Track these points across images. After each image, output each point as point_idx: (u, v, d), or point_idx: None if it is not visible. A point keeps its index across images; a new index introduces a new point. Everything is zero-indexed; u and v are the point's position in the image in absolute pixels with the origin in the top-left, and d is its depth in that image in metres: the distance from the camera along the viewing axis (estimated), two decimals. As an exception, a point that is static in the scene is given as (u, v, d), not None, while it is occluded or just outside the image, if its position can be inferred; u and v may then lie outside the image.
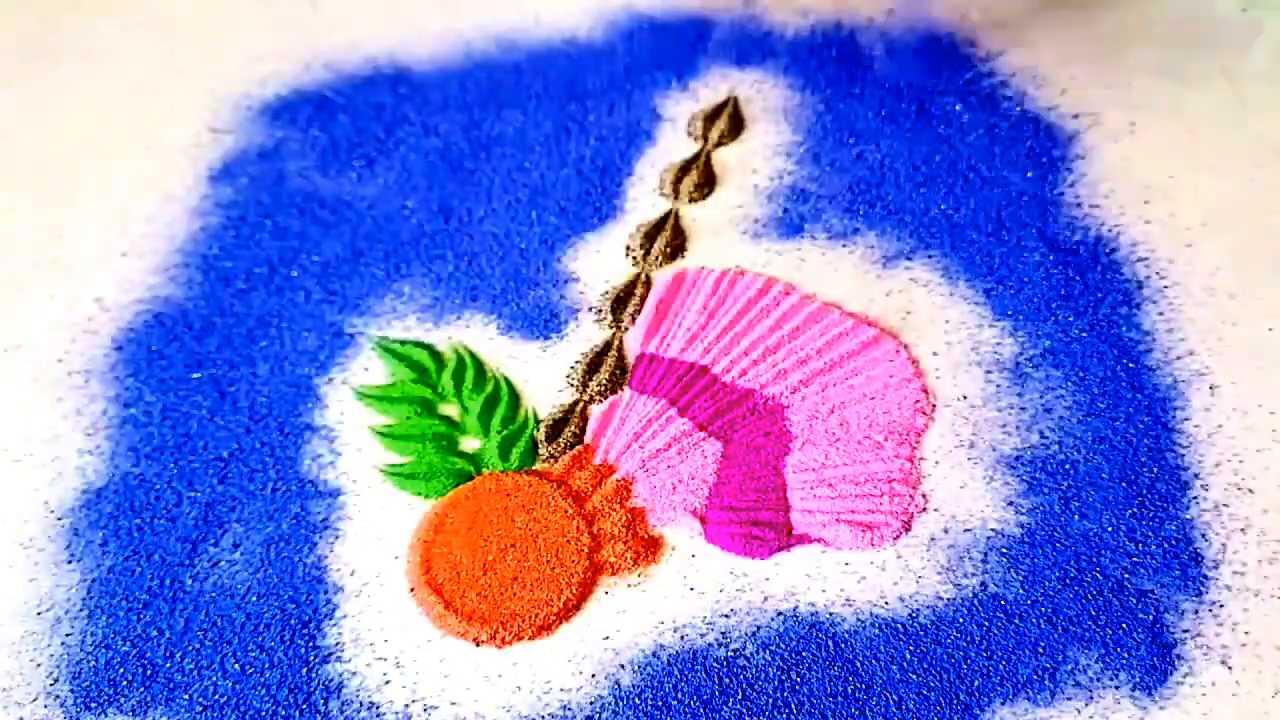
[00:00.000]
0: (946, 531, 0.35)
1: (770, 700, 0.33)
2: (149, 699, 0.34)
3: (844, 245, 0.43)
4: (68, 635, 0.35)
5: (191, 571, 0.36)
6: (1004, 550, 0.35)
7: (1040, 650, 0.33)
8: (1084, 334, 0.40)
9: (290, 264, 0.44)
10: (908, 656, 0.33)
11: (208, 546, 0.37)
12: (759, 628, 0.34)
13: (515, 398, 0.39)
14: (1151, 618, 0.34)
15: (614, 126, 0.47)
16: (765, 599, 0.35)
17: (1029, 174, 0.45)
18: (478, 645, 0.34)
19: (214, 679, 0.34)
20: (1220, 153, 0.45)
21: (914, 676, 0.33)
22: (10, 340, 0.42)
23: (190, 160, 0.47)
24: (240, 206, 0.46)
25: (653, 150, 0.47)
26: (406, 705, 0.33)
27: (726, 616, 0.34)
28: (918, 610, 0.34)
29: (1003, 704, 0.32)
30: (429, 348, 0.41)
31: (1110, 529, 0.35)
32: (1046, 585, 0.34)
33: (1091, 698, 0.32)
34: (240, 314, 0.42)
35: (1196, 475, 0.36)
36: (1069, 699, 0.32)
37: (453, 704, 0.33)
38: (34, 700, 0.34)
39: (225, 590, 0.36)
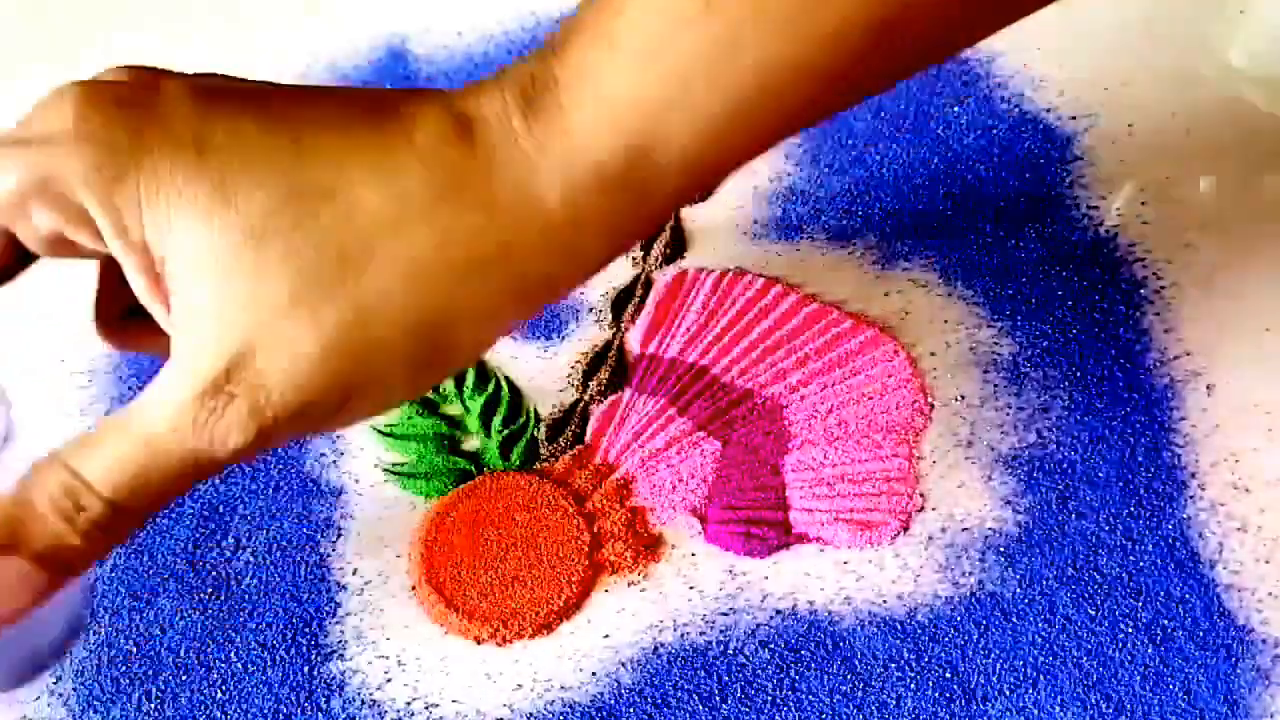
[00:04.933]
0: (944, 530, 0.36)
1: (769, 698, 0.33)
2: (151, 696, 0.34)
3: (843, 246, 0.43)
4: (71, 633, 0.35)
5: (194, 570, 0.36)
6: (1001, 549, 0.35)
7: (1037, 648, 0.33)
8: (1081, 334, 0.40)
9: (292, 265, 0.44)
10: (906, 654, 0.33)
11: (210, 545, 0.37)
12: (758, 626, 0.34)
13: (516, 398, 0.40)
14: (1149, 616, 0.34)
15: (614, 128, 0.48)
16: (764, 597, 0.35)
17: (1027, 175, 0.45)
18: (479, 643, 0.35)
19: (216, 676, 0.34)
20: (1219, 154, 0.45)
21: (912, 674, 0.33)
22: (11, 341, 0.42)
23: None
24: (243, 208, 0.46)
25: (653, 152, 0.47)
26: (409, 703, 0.33)
27: (726, 615, 0.35)
28: (915, 608, 0.34)
29: (1000, 702, 0.33)
30: (430, 348, 0.41)
31: (1107, 528, 0.35)
32: (1044, 584, 0.34)
33: (1089, 696, 0.32)
34: (243, 315, 0.43)
35: (1193, 475, 0.36)
36: (1066, 697, 0.32)
37: (454, 702, 0.33)
38: (37, 698, 0.34)
39: (228, 588, 0.36)
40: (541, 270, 0.25)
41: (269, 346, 0.23)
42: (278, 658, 0.34)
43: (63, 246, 0.25)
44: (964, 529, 0.36)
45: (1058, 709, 0.32)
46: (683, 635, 0.34)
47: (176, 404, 0.24)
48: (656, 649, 0.34)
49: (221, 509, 0.38)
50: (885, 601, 0.34)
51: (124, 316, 0.30)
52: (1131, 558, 0.35)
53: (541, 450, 0.38)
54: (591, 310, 0.42)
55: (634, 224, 0.25)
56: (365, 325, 0.24)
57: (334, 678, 0.34)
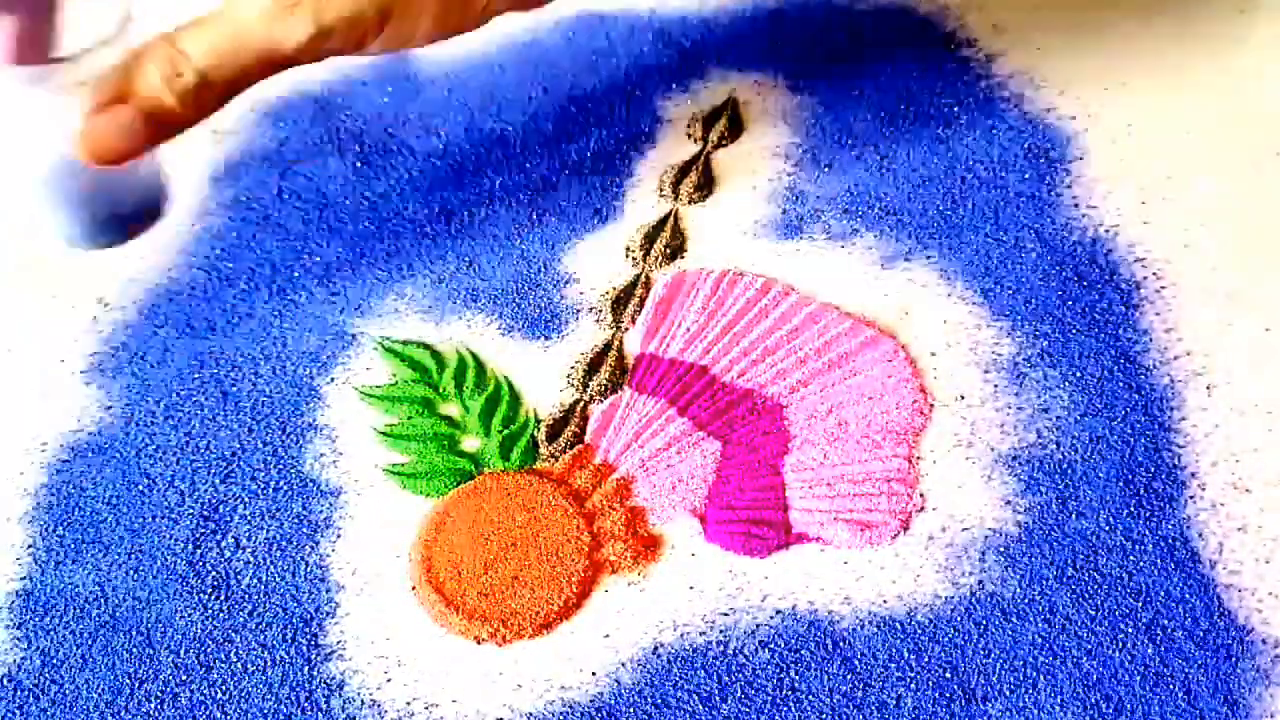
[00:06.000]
0: (944, 530, 0.36)
1: (769, 697, 0.33)
2: (151, 696, 0.34)
3: (843, 246, 0.43)
4: (71, 633, 0.35)
5: (194, 570, 0.36)
6: (1001, 549, 0.35)
7: (1037, 648, 0.33)
8: (1081, 334, 0.40)
9: (292, 265, 0.44)
10: (906, 654, 0.33)
11: (210, 545, 0.37)
12: (758, 626, 0.34)
13: (516, 398, 0.40)
14: (1149, 616, 0.34)
15: (614, 128, 0.48)
16: (764, 597, 0.35)
17: (1027, 175, 0.45)
18: (479, 643, 0.35)
19: (216, 676, 0.34)
20: (1218, 153, 0.45)
21: (911, 674, 0.33)
22: (11, 340, 0.42)
23: (193, 161, 0.48)
24: (242, 207, 0.46)
25: (653, 152, 0.47)
26: (408, 703, 0.33)
27: (725, 615, 0.35)
28: (915, 608, 0.34)
29: (1000, 702, 0.33)
30: (430, 348, 0.41)
31: (1107, 528, 0.35)
32: (1044, 584, 0.34)
33: (1089, 696, 0.33)
34: (242, 314, 0.43)
35: (1193, 474, 0.36)
36: (1066, 697, 0.33)
37: (454, 702, 0.33)
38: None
39: (227, 588, 0.36)
40: None
41: None
42: (278, 658, 0.34)
43: None
44: (964, 529, 0.36)
45: (1058, 709, 0.32)
46: (683, 635, 0.34)
47: (262, 2, 0.33)
48: (656, 649, 0.34)
49: (221, 509, 0.38)
50: (885, 601, 0.34)
51: None
52: (1131, 558, 0.35)
53: (541, 450, 0.38)
54: (591, 310, 0.42)
55: None
56: None
57: (334, 678, 0.34)
